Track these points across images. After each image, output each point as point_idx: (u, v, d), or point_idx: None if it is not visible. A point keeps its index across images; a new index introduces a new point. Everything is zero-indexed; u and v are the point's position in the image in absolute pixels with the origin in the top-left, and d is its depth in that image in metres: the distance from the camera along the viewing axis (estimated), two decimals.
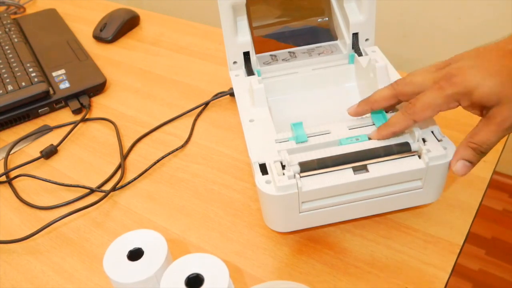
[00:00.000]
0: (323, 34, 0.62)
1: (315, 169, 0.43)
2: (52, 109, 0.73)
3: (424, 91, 0.42)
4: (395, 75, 0.54)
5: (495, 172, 0.54)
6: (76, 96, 0.73)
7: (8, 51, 0.81)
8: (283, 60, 0.59)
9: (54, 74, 0.77)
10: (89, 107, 0.72)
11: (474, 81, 0.39)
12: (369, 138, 0.46)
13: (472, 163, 0.42)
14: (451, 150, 0.43)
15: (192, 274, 0.39)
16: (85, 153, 0.64)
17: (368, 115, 0.48)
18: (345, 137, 0.46)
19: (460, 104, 0.41)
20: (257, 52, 0.59)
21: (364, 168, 0.43)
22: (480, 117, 0.42)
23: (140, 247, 0.42)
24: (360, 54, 0.58)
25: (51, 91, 0.73)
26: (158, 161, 0.60)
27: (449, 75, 0.40)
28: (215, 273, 0.39)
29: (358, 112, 0.48)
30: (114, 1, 1.04)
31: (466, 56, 0.42)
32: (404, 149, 0.44)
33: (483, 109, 0.41)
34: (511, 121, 0.39)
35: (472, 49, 0.42)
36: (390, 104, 0.47)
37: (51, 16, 0.97)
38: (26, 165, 0.62)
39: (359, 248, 0.47)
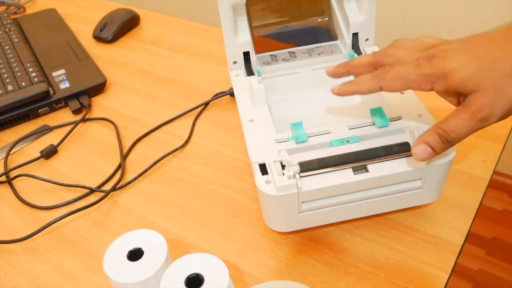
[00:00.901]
0: (323, 34, 0.62)
1: (315, 169, 0.43)
2: (52, 109, 0.73)
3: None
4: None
5: (495, 172, 0.54)
6: (76, 96, 0.73)
7: (8, 51, 0.81)
8: (283, 60, 0.59)
9: (54, 74, 0.77)
10: (89, 107, 0.72)
11: (453, 64, 0.37)
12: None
13: (434, 150, 0.39)
14: (451, 150, 0.43)
15: (192, 274, 0.39)
16: (85, 153, 0.64)
17: (368, 115, 0.48)
18: (341, 138, 0.46)
19: (433, 88, 0.38)
20: (257, 52, 0.59)
21: (364, 168, 0.43)
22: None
23: (140, 247, 0.42)
24: (360, 54, 0.58)
25: (51, 91, 0.73)
26: (158, 161, 0.60)
27: (431, 55, 0.38)
28: (215, 273, 0.39)
29: (335, 73, 0.47)
30: (114, 1, 1.04)
31: (455, 41, 0.39)
32: (404, 149, 0.44)
33: (459, 96, 0.38)
34: (487, 112, 0.36)
35: (463, 37, 0.40)
36: (367, 71, 0.44)
37: (51, 16, 0.97)
38: (26, 165, 0.62)
39: (359, 248, 0.47)
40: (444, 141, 0.38)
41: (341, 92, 0.43)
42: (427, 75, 0.38)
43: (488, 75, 0.36)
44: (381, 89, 0.41)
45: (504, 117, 0.37)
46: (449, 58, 0.37)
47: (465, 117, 0.37)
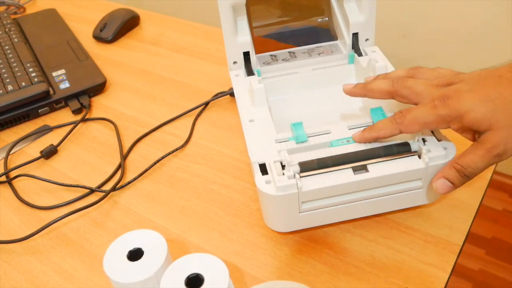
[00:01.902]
0: (323, 34, 0.62)
1: (315, 169, 0.43)
2: (52, 109, 0.73)
3: (418, 102, 0.43)
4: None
5: (495, 172, 0.54)
6: (76, 96, 0.73)
7: (8, 51, 0.81)
8: (283, 60, 0.59)
9: (54, 74, 0.77)
10: (89, 107, 0.72)
11: (467, 105, 0.39)
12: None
13: (454, 185, 0.42)
14: (451, 150, 0.43)
15: (192, 274, 0.39)
16: (85, 153, 0.64)
17: (368, 115, 0.48)
18: (341, 138, 0.46)
19: (450, 126, 0.41)
20: (257, 52, 0.59)
21: (364, 168, 0.43)
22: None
23: (140, 247, 0.42)
24: (360, 54, 0.58)
25: (51, 91, 0.73)
26: (158, 161, 0.60)
27: (446, 96, 0.40)
28: (215, 273, 0.39)
29: (352, 92, 0.49)
30: (114, 1, 1.04)
31: (468, 78, 0.42)
32: (404, 149, 0.44)
33: (474, 133, 0.41)
34: (502, 148, 0.39)
35: (475, 72, 0.42)
36: (383, 98, 0.47)
37: (51, 16, 0.97)
38: (26, 165, 0.62)
39: (359, 248, 0.47)
40: (463, 175, 0.41)
41: (362, 139, 0.45)
42: (442, 117, 0.41)
43: (500, 115, 0.39)
44: (401, 132, 0.43)
45: None
46: (462, 100, 0.40)
47: (481, 153, 0.40)
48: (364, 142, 0.45)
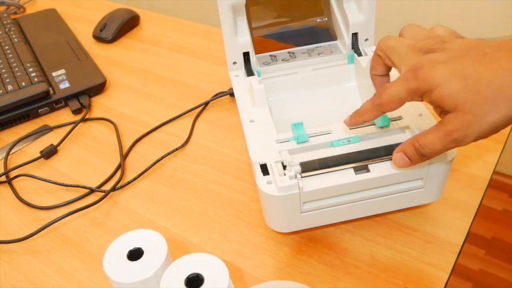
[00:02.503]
0: (323, 34, 0.62)
1: (316, 169, 0.43)
2: (52, 109, 0.73)
3: (400, 67, 0.41)
4: (395, 75, 0.53)
5: (495, 172, 0.54)
6: (76, 96, 0.73)
7: (8, 51, 0.81)
8: (283, 60, 0.59)
9: (54, 74, 0.77)
10: (89, 107, 0.72)
11: (437, 79, 0.36)
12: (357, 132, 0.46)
13: (411, 161, 0.40)
14: (452, 151, 0.43)
15: (192, 274, 0.39)
16: (85, 153, 0.64)
17: None
18: (341, 138, 0.46)
19: (423, 100, 0.39)
20: (257, 52, 0.59)
21: (365, 168, 0.43)
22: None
23: (140, 247, 0.42)
24: (359, 54, 0.58)
25: (51, 91, 0.73)
26: (158, 161, 0.60)
27: (418, 67, 0.38)
28: (215, 273, 0.39)
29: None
30: (114, 1, 1.04)
31: (452, 47, 0.38)
32: None
33: (441, 111, 0.38)
34: (461, 134, 0.36)
35: (465, 41, 0.39)
36: (378, 71, 0.46)
37: (51, 16, 0.97)
38: (26, 165, 0.62)
39: (359, 248, 0.47)
40: (420, 154, 0.39)
41: (351, 124, 0.45)
42: (414, 90, 0.38)
43: (469, 97, 0.35)
44: (383, 113, 0.42)
45: (479, 139, 0.37)
46: (434, 73, 0.37)
47: (440, 135, 0.37)
48: (355, 126, 0.45)
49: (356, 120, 0.44)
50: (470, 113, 0.35)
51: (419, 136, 0.39)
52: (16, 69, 0.76)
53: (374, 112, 0.42)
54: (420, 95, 0.38)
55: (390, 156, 0.44)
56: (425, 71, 0.37)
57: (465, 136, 0.36)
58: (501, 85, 0.34)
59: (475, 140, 0.37)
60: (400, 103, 0.40)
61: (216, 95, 0.70)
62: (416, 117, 0.47)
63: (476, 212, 0.50)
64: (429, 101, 0.38)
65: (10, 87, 0.71)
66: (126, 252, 0.42)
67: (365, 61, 0.56)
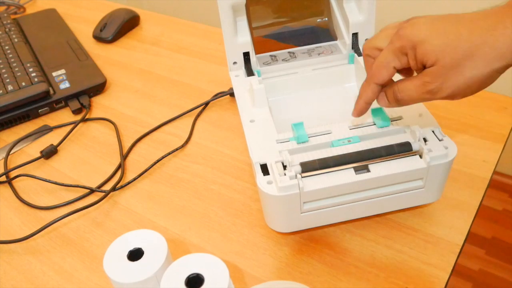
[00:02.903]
0: (323, 34, 0.62)
1: (316, 169, 0.43)
2: (52, 109, 0.73)
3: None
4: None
5: (495, 172, 0.54)
6: (76, 96, 0.73)
7: (8, 51, 0.81)
8: (283, 60, 0.59)
9: (54, 74, 0.77)
10: (89, 107, 0.72)
11: (420, 35, 0.37)
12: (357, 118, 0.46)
13: (389, 102, 0.42)
14: (452, 150, 0.43)
15: (192, 274, 0.39)
16: (85, 153, 0.64)
17: (369, 115, 0.49)
18: (342, 138, 0.46)
19: (409, 62, 0.39)
20: (257, 52, 0.59)
21: (365, 168, 0.43)
22: None
23: (140, 247, 0.42)
24: (360, 54, 0.58)
25: (51, 91, 0.73)
26: (158, 161, 0.60)
27: (401, 28, 0.39)
28: (215, 273, 0.39)
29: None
30: (114, 1, 1.04)
31: (430, 16, 0.40)
32: (405, 148, 0.44)
33: (423, 68, 0.39)
34: (436, 85, 0.37)
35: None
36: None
37: (51, 16, 0.97)
38: (26, 165, 0.62)
39: (359, 248, 0.47)
40: (395, 97, 0.41)
41: (358, 113, 0.45)
42: (399, 49, 0.39)
43: (449, 51, 0.36)
44: (378, 85, 0.43)
45: (454, 95, 0.38)
46: (416, 29, 0.38)
47: (416, 83, 0.39)
48: (360, 113, 0.45)
49: (359, 105, 0.45)
50: (447, 67, 0.36)
51: (400, 81, 0.41)
52: (16, 69, 0.76)
53: (369, 86, 0.43)
54: (405, 53, 0.39)
55: (390, 156, 0.44)
56: (407, 30, 0.38)
57: (440, 89, 0.37)
58: (479, 42, 0.35)
59: (451, 96, 0.38)
60: (389, 68, 0.41)
61: (216, 95, 0.70)
62: (416, 117, 0.47)
63: (476, 212, 0.50)
64: (414, 60, 0.39)
65: (10, 87, 0.71)
66: (126, 252, 0.42)
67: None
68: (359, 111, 0.45)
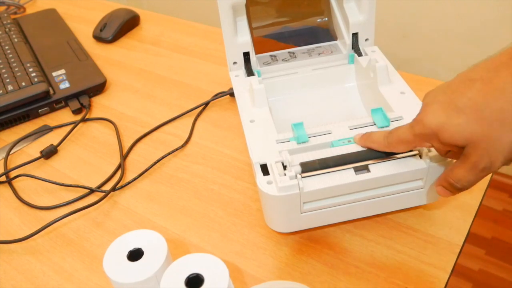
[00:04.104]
0: (323, 34, 0.62)
1: (316, 169, 0.43)
2: (52, 109, 0.73)
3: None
4: (395, 75, 0.54)
5: (495, 172, 0.54)
6: (76, 96, 0.73)
7: (8, 51, 0.81)
8: (283, 60, 0.59)
9: (54, 74, 0.77)
10: (89, 107, 0.72)
11: (437, 120, 0.36)
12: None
13: (453, 193, 0.40)
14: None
15: (192, 274, 0.39)
16: (85, 153, 0.64)
17: (369, 115, 0.49)
18: (342, 138, 0.46)
19: (434, 146, 0.38)
20: (257, 52, 0.59)
21: (365, 168, 0.43)
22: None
23: (140, 247, 0.42)
24: (360, 54, 0.58)
25: (51, 91, 0.73)
26: (158, 161, 0.60)
27: (419, 113, 0.38)
28: (215, 273, 0.39)
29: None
30: (114, 1, 1.04)
31: (440, 87, 0.38)
32: None
33: (458, 148, 0.37)
34: (486, 161, 0.35)
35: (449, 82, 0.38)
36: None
37: (51, 16, 0.97)
38: (26, 165, 0.62)
39: (359, 248, 0.47)
40: (457, 188, 0.39)
41: (360, 144, 0.45)
42: (420, 135, 0.38)
43: (475, 127, 0.34)
44: (391, 150, 0.43)
45: (509, 161, 0.36)
46: (430, 114, 0.37)
47: (466, 168, 0.37)
48: (362, 147, 0.45)
49: (366, 143, 0.45)
50: (484, 141, 0.34)
51: (449, 171, 0.39)
52: (16, 69, 0.76)
53: (383, 147, 0.43)
54: (427, 140, 0.38)
55: (390, 156, 0.44)
56: (422, 115, 0.37)
57: (491, 162, 0.35)
58: (501, 107, 0.34)
59: (505, 163, 0.36)
60: (408, 146, 0.41)
61: (216, 95, 0.70)
62: None
63: (476, 212, 0.50)
64: (440, 144, 0.37)
65: (10, 87, 0.71)
66: (126, 252, 0.42)
67: (365, 61, 0.56)
68: (363, 146, 0.45)
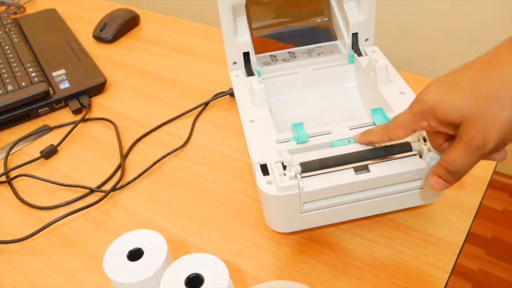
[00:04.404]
0: (323, 34, 0.62)
1: (316, 169, 0.43)
2: (52, 109, 0.73)
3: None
4: (395, 75, 0.54)
5: (495, 172, 0.54)
6: (76, 96, 0.73)
7: (8, 51, 0.81)
8: (283, 60, 0.59)
9: (54, 74, 0.77)
10: (89, 107, 0.72)
11: (435, 97, 0.37)
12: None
13: (447, 182, 0.40)
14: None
15: (192, 274, 0.39)
16: (85, 153, 0.64)
17: (369, 115, 0.49)
18: (341, 138, 0.46)
19: (430, 125, 0.39)
20: (257, 52, 0.59)
21: (365, 168, 0.43)
22: None
23: (140, 247, 0.42)
24: (360, 54, 0.58)
25: (51, 91, 0.73)
26: (158, 161, 0.60)
27: (419, 94, 0.39)
28: (215, 273, 0.39)
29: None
30: (114, 1, 1.04)
31: (444, 75, 0.39)
32: (405, 149, 0.44)
33: (454, 127, 0.37)
34: (480, 139, 0.35)
35: None
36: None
37: (51, 16, 0.97)
38: (26, 165, 0.62)
39: (359, 248, 0.47)
40: (452, 173, 0.38)
41: (360, 142, 0.46)
42: (417, 113, 0.39)
43: (472, 102, 0.35)
44: (390, 139, 0.43)
45: (503, 142, 0.35)
46: (430, 92, 0.38)
47: (461, 148, 0.36)
48: (362, 144, 0.45)
49: (366, 139, 0.45)
50: (479, 117, 0.34)
51: (444, 156, 0.39)
52: (16, 69, 0.76)
53: (383, 137, 0.43)
54: (424, 117, 0.39)
55: (390, 156, 0.44)
56: (422, 94, 0.38)
57: (485, 140, 0.35)
58: (499, 82, 0.34)
59: (500, 143, 0.35)
60: (407, 129, 0.41)
61: (216, 95, 0.70)
62: None
63: (476, 212, 0.50)
64: (436, 123, 0.38)
65: (10, 87, 0.71)
66: (126, 252, 0.42)
67: (365, 61, 0.56)
68: (363, 142, 0.45)
